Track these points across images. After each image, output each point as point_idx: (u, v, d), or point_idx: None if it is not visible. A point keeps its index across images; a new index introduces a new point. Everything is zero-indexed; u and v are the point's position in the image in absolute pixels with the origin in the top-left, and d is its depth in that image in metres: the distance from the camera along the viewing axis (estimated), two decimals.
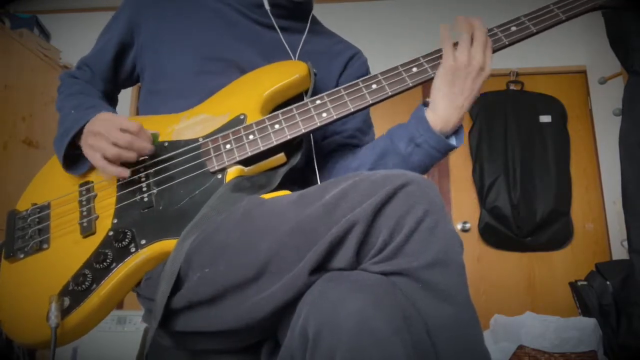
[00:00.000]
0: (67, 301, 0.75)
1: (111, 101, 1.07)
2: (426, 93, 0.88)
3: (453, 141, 0.87)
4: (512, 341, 2.03)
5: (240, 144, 0.83)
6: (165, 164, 0.84)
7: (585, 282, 2.31)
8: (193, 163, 0.83)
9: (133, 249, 0.78)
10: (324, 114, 0.83)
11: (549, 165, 2.95)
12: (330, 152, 1.01)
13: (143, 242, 0.78)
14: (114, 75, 1.03)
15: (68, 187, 0.89)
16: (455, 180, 3.04)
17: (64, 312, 0.74)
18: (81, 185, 0.88)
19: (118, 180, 0.85)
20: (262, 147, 0.82)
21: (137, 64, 1.02)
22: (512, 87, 3.10)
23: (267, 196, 0.74)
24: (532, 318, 2.08)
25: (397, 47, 3.08)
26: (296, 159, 0.86)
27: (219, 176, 0.82)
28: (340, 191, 0.60)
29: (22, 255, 0.83)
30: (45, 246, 0.83)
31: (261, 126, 0.83)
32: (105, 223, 0.82)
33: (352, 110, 0.84)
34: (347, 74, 1.05)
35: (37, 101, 2.72)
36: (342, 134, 1.02)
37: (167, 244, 0.77)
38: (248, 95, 0.88)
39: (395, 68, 0.86)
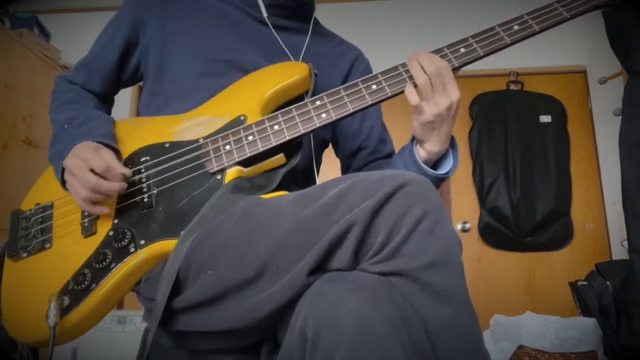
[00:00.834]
0: (66, 300, 0.75)
1: (107, 103, 1.06)
2: None
3: (448, 165, 0.88)
4: (512, 341, 2.03)
5: (240, 144, 0.83)
6: (166, 165, 0.84)
7: (585, 282, 2.31)
8: (193, 164, 0.83)
9: (132, 249, 0.78)
10: (324, 115, 0.83)
11: (549, 165, 2.95)
12: (362, 168, 1.05)
13: (142, 242, 0.78)
14: (117, 74, 1.02)
15: None
16: (455, 180, 3.04)
17: (63, 311, 0.74)
18: None
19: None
20: (261, 148, 0.82)
21: (142, 62, 1.01)
22: (512, 87, 3.10)
23: (266, 197, 0.74)
24: (532, 318, 2.08)
25: (397, 47, 3.08)
26: (296, 160, 0.86)
27: (219, 177, 0.82)
28: (339, 191, 0.60)
29: (25, 255, 0.84)
30: (47, 245, 0.83)
31: (260, 127, 0.83)
32: (106, 223, 0.82)
33: (352, 110, 0.83)
34: (352, 78, 1.05)
35: (37, 101, 2.73)
36: (367, 150, 1.05)
37: (167, 245, 0.77)
38: (249, 96, 0.88)
39: (395, 68, 0.86)
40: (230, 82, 0.91)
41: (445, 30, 3.05)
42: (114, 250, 0.78)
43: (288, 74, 0.89)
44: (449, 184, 3.05)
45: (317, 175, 0.99)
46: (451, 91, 0.82)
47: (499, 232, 2.92)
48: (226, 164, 0.82)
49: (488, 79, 3.10)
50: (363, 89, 0.84)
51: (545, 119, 3.02)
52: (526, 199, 2.89)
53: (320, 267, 0.59)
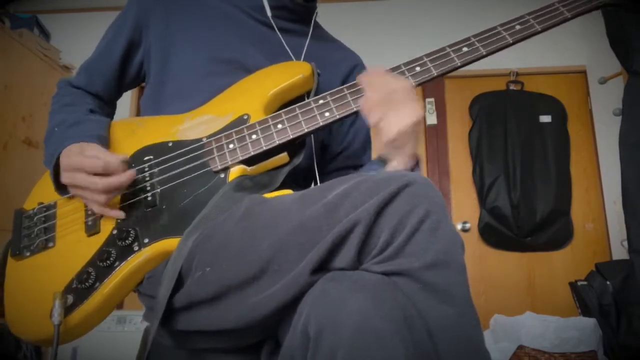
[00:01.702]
0: (70, 299, 0.76)
1: (109, 106, 1.06)
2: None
3: None
4: (512, 341, 2.03)
5: (243, 143, 0.83)
6: (169, 164, 0.85)
7: (585, 282, 2.31)
8: (196, 162, 0.84)
9: (136, 248, 0.78)
10: (327, 114, 0.83)
11: (549, 165, 2.95)
12: (332, 174, 1.04)
13: (146, 240, 0.78)
14: (119, 76, 1.02)
15: None
16: (455, 180, 3.05)
17: (67, 310, 0.75)
18: None
19: None
20: (264, 146, 0.82)
21: (144, 63, 1.01)
22: (512, 87, 3.10)
23: (269, 195, 0.74)
24: (532, 318, 2.08)
25: (397, 47, 3.08)
26: (299, 159, 0.86)
27: (222, 175, 0.82)
28: (342, 191, 0.60)
29: (28, 254, 0.84)
30: (50, 244, 0.84)
31: (264, 126, 0.84)
32: (109, 222, 0.82)
33: (355, 109, 0.83)
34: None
35: (37, 101, 2.73)
36: (346, 152, 1.05)
37: (170, 243, 0.77)
38: (252, 95, 0.89)
39: (398, 67, 0.86)
40: (233, 82, 0.91)
41: (445, 30, 3.06)
42: (118, 248, 0.78)
43: (291, 73, 0.89)
44: (449, 184, 3.05)
45: (317, 176, 0.99)
46: (409, 111, 0.78)
47: (499, 232, 2.92)
48: (230, 163, 0.82)
49: (488, 79, 3.10)
50: None
51: (545, 119, 3.03)
52: (526, 199, 2.89)
53: (323, 267, 0.59)
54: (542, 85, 3.09)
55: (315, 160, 0.98)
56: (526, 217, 2.87)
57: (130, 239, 0.78)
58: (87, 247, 0.80)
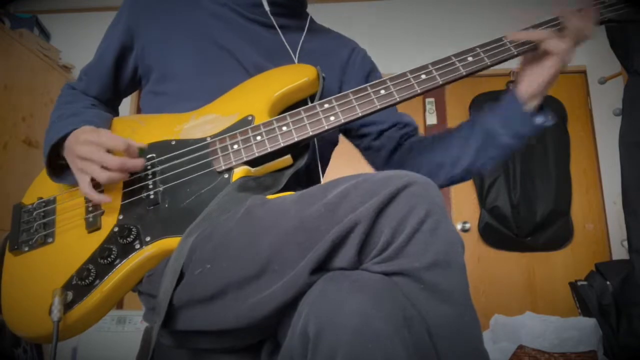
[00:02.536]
0: (70, 295, 0.75)
1: (109, 107, 1.07)
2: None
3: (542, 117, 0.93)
4: (512, 341, 2.03)
5: (248, 144, 0.83)
6: (173, 162, 0.85)
7: (585, 282, 2.31)
8: (200, 162, 0.84)
9: (137, 246, 0.78)
10: (332, 118, 0.84)
11: (549, 165, 2.95)
12: (393, 151, 1.05)
13: (148, 239, 0.78)
14: (114, 80, 1.03)
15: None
16: None
17: (67, 307, 0.74)
18: None
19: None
20: (269, 148, 0.82)
21: (139, 67, 1.02)
22: (512, 87, 3.10)
23: (272, 197, 0.74)
24: (532, 318, 2.08)
25: (397, 47, 3.08)
26: (303, 161, 0.86)
27: (226, 176, 0.82)
28: (342, 191, 0.60)
29: (26, 249, 0.83)
30: (50, 240, 0.83)
31: (269, 128, 0.84)
32: (110, 219, 0.82)
33: (360, 114, 0.84)
34: (351, 69, 1.07)
35: (37, 101, 2.73)
36: (393, 128, 1.05)
37: (172, 242, 0.77)
38: (257, 96, 0.89)
39: (404, 74, 0.87)
40: (232, 81, 0.91)
41: (441, 29, 3.05)
42: (119, 246, 0.78)
43: (296, 76, 0.90)
44: None
45: (322, 176, 0.99)
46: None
47: (499, 232, 2.92)
48: (234, 163, 0.82)
49: (488, 79, 3.10)
50: (372, 94, 0.85)
51: None
52: (526, 199, 2.89)
53: (322, 266, 0.59)
54: None
55: (319, 161, 0.98)
56: (526, 217, 2.88)
57: (131, 236, 0.78)
58: (87, 244, 0.80)
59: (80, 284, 0.75)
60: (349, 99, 0.85)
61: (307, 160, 0.90)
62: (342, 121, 0.84)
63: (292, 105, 0.90)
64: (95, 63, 1.04)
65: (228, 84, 0.91)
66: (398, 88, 0.86)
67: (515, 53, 0.89)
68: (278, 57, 0.97)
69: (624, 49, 2.10)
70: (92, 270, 0.76)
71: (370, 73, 1.09)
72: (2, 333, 1.95)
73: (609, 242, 2.85)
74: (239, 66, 0.94)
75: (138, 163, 0.81)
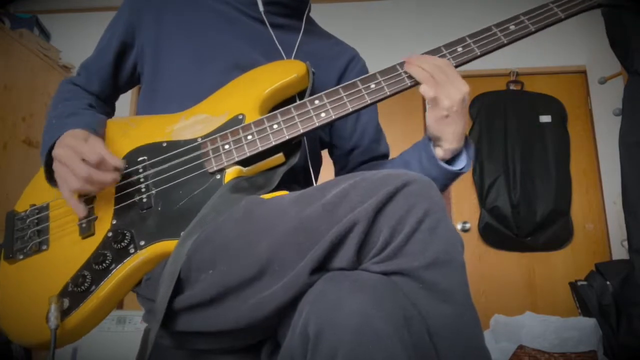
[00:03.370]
0: (66, 302, 0.74)
1: (107, 105, 1.07)
2: None
3: (462, 162, 0.88)
4: (512, 341, 2.03)
5: (239, 144, 0.82)
6: (164, 165, 0.84)
7: (585, 282, 2.31)
8: (192, 164, 0.83)
9: (132, 250, 0.77)
10: (323, 114, 0.83)
11: (549, 165, 2.95)
12: (353, 169, 1.05)
13: (142, 243, 0.77)
14: (114, 76, 1.03)
15: None
16: None
17: (64, 314, 0.73)
18: None
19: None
20: (260, 147, 0.82)
21: (138, 64, 1.02)
22: (512, 87, 3.10)
23: (267, 197, 0.74)
24: (532, 318, 2.08)
25: (397, 47, 3.08)
26: (295, 159, 0.86)
27: (218, 177, 0.81)
28: (341, 191, 0.60)
29: (21, 257, 0.83)
30: (44, 247, 0.83)
31: (260, 127, 0.83)
32: (104, 224, 0.81)
33: (351, 110, 0.83)
34: (348, 78, 1.05)
35: (37, 101, 2.73)
36: (360, 149, 1.05)
37: (167, 245, 0.76)
38: (246, 94, 0.88)
39: (394, 68, 0.86)
40: (228, 81, 0.91)
41: (441, 29, 3.06)
42: (113, 251, 0.77)
43: (286, 72, 0.89)
44: None
45: (314, 176, 0.99)
46: (459, 84, 0.82)
47: (499, 232, 2.92)
48: (225, 164, 0.81)
49: (488, 79, 3.10)
50: (362, 89, 0.85)
51: (545, 119, 3.03)
52: (526, 199, 2.89)
53: (322, 267, 0.59)
54: (542, 85, 3.09)
55: (309, 161, 0.98)
56: (526, 217, 2.87)
57: (125, 241, 0.77)
58: (81, 250, 0.79)
59: (76, 291, 0.75)
60: (339, 95, 0.84)
61: (302, 159, 0.90)
62: (333, 117, 0.83)
63: (283, 101, 0.89)
64: (95, 58, 1.03)
65: (221, 84, 0.91)
66: (388, 82, 0.85)
67: (506, 42, 0.87)
68: (277, 57, 0.96)
69: (624, 49, 2.10)
70: (88, 277, 0.75)
71: None
72: None
73: (609, 242, 2.85)
74: (235, 65, 0.94)
75: (106, 177, 0.78)
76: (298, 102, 0.86)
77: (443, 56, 0.86)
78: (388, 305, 0.53)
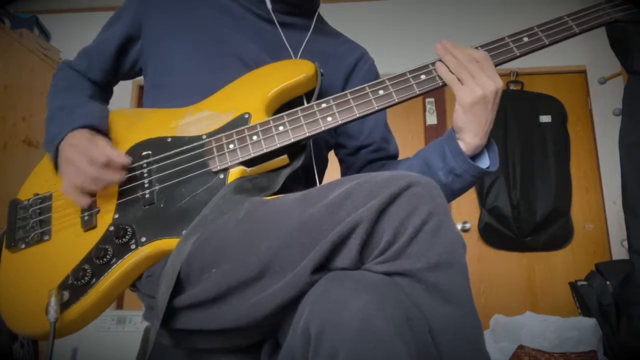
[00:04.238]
0: (66, 295, 0.75)
1: (105, 92, 1.07)
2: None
3: (486, 162, 0.89)
4: (512, 341, 2.03)
5: (244, 144, 0.82)
6: (168, 161, 0.84)
7: (585, 282, 2.31)
8: (196, 162, 0.83)
9: (133, 246, 0.77)
10: (329, 118, 0.83)
11: (549, 165, 2.95)
12: (361, 169, 1.04)
13: (143, 239, 0.77)
14: (115, 66, 1.03)
15: None
16: None
17: (63, 306, 0.74)
18: None
19: None
20: (265, 148, 0.81)
21: (141, 57, 1.01)
22: (512, 87, 3.10)
23: (270, 198, 0.74)
24: (532, 318, 2.08)
25: (398, 47, 3.08)
26: (299, 162, 0.85)
27: (221, 176, 0.81)
28: (344, 191, 0.60)
29: (23, 246, 0.83)
30: (46, 237, 0.83)
31: (265, 127, 0.83)
32: (106, 217, 0.81)
33: (358, 115, 0.83)
34: (355, 78, 1.05)
35: (37, 101, 2.72)
36: (369, 148, 1.04)
37: (167, 243, 0.76)
38: (253, 93, 0.87)
39: (403, 74, 0.85)
40: (233, 77, 0.90)
41: (441, 29, 3.05)
42: (114, 246, 0.77)
43: (294, 72, 0.88)
44: None
45: (317, 177, 0.99)
46: (495, 76, 0.81)
47: (499, 232, 2.92)
48: (229, 164, 0.81)
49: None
50: (370, 94, 0.84)
51: (545, 119, 3.03)
52: (526, 199, 2.89)
53: (324, 266, 0.59)
54: (542, 85, 3.09)
55: (314, 162, 0.97)
56: (526, 217, 2.87)
57: (127, 237, 0.77)
58: (83, 243, 0.79)
59: (76, 284, 0.75)
60: (346, 98, 0.84)
61: (306, 160, 0.90)
62: (340, 122, 0.82)
63: (290, 101, 0.89)
64: (97, 46, 1.03)
65: (227, 80, 0.90)
66: (397, 89, 0.84)
67: (518, 54, 0.86)
68: (282, 55, 0.96)
69: (624, 49, 2.10)
70: (88, 270, 0.76)
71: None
72: (0, 328, 1.95)
73: (609, 242, 2.85)
74: (240, 62, 0.93)
75: (114, 177, 0.80)
76: (305, 102, 0.86)
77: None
78: (390, 305, 0.53)
